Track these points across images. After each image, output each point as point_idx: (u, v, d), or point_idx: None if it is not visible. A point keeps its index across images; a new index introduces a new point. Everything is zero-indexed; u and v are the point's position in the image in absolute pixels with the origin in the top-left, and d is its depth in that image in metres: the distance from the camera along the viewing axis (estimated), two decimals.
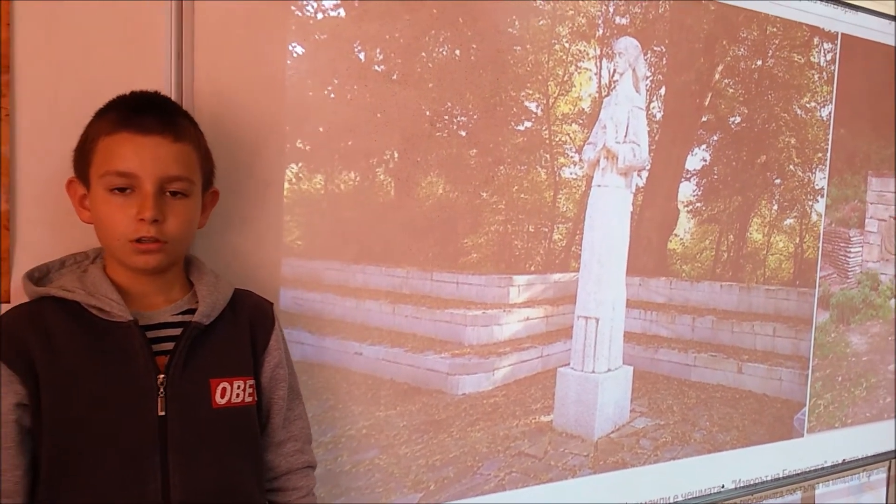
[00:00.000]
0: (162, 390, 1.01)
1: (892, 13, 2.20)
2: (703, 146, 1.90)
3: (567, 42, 1.64)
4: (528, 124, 1.61)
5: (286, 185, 1.35)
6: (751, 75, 1.95)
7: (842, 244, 2.20)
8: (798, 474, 2.17)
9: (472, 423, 1.58)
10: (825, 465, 2.24)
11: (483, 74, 1.53)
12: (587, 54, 1.67)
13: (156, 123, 1.01)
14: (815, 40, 2.06)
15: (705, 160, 1.90)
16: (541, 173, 1.64)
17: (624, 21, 1.71)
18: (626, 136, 1.74)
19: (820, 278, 2.15)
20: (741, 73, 1.93)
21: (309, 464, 1.23)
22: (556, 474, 1.70)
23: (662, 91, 1.80)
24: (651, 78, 1.77)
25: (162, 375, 1.02)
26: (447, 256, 1.53)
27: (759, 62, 1.96)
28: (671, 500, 1.92)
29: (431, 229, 1.51)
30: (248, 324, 1.14)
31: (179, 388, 1.03)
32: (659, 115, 1.80)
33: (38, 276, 1.07)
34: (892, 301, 2.34)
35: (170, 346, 1.04)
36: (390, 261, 1.47)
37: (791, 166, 2.05)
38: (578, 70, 1.67)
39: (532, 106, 1.61)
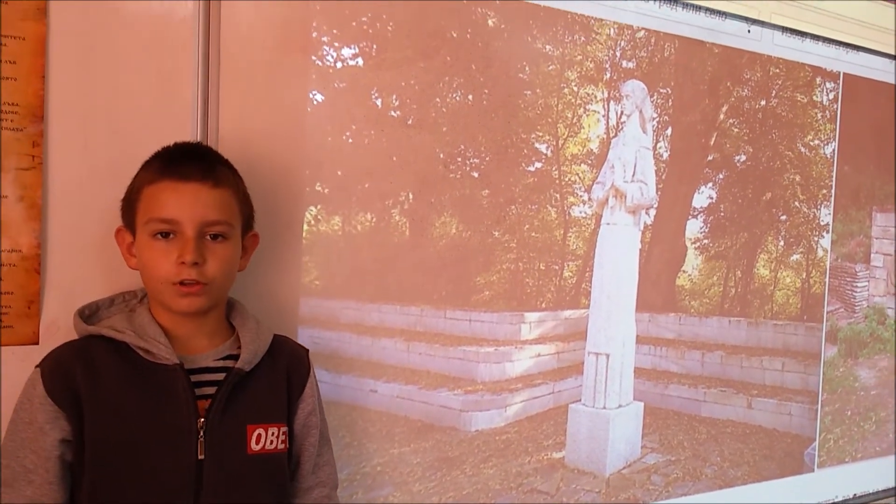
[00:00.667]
0: (202, 434, 1.04)
1: (893, 52, 2.25)
2: (710, 184, 1.93)
3: (576, 86, 1.69)
4: (538, 165, 1.65)
5: (305, 226, 1.39)
6: (755, 115, 1.99)
7: (848, 279, 2.22)
8: None
9: (485, 459, 1.60)
10: (836, 500, 2.23)
11: (495, 118, 1.58)
12: (595, 97, 1.72)
13: (196, 171, 1.06)
14: (818, 80, 2.10)
15: (712, 198, 1.94)
16: (551, 212, 1.68)
17: (631, 65, 1.76)
18: (633, 176, 1.78)
19: (827, 313, 2.16)
20: (745, 113, 1.97)
21: None
22: None
23: (669, 131, 1.84)
24: (657, 119, 1.82)
25: (202, 419, 1.04)
26: (460, 294, 1.57)
27: (763, 102, 2.00)
28: None
29: (445, 268, 1.55)
30: (286, 371, 1.17)
31: (218, 433, 1.05)
32: (666, 155, 1.84)
33: (88, 314, 1.10)
34: None
35: (211, 390, 1.07)
36: (405, 299, 1.50)
37: (796, 203, 2.08)
38: (587, 112, 1.71)
39: (542, 147, 1.65)
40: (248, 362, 1.10)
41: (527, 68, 1.61)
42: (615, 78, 1.75)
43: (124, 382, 1.03)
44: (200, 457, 1.03)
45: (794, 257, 2.10)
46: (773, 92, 2.02)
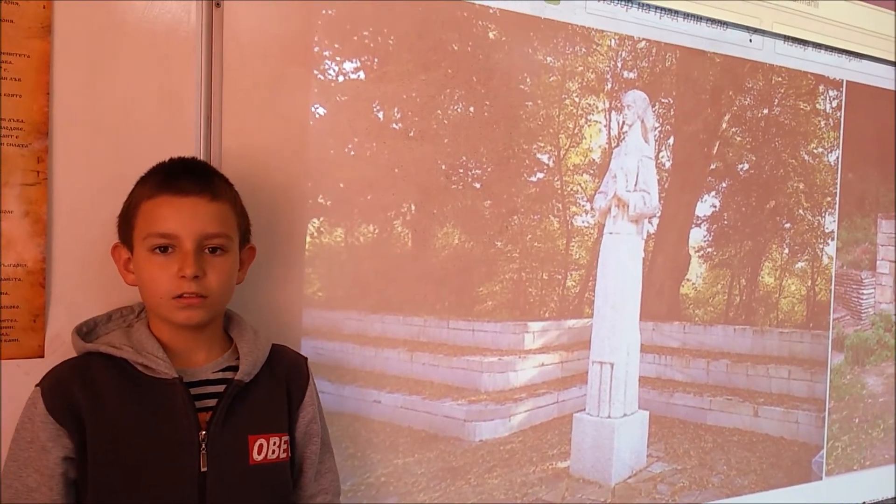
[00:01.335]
0: (203, 447, 1.05)
1: (895, 60, 2.25)
2: (713, 193, 1.93)
3: (577, 96, 1.70)
4: (540, 175, 1.66)
5: (308, 238, 1.40)
6: (757, 123, 1.99)
7: (854, 286, 2.21)
8: None
9: (489, 469, 1.60)
10: None
11: (496, 129, 1.59)
12: (597, 107, 1.73)
13: (193, 185, 1.06)
14: (821, 88, 2.10)
15: (715, 206, 1.94)
16: (553, 222, 1.68)
17: (632, 75, 1.77)
18: (636, 185, 1.78)
19: (833, 320, 2.16)
20: (748, 121, 1.97)
21: None
22: None
23: (671, 141, 1.85)
24: (659, 128, 1.82)
25: (203, 432, 1.05)
26: (463, 305, 1.57)
27: (766, 111, 2.00)
28: None
29: (448, 278, 1.55)
30: (285, 380, 1.17)
31: (220, 445, 1.06)
32: (668, 164, 1.84)
33: (86, 331, 1.11)
34: None
35: (211, 402, 1.08)
36: (408, 310, 1.51)
37: (800, 211, 2.08)
38: (588, 123, 1.72)
39: (544, 158, 1.66)
40: (248, 373, 1.11)
41: (528, 80, 1.62)
42: (616, 88, 1.75)
43: (124, 398, 1.03)
44: (203, 469, 1.04)
45: (799, 265, 2.09)
46: (776, 100, 2.02)
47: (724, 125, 1.94)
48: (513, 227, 1.62)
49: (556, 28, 1.65)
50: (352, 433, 1.45)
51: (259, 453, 1.09)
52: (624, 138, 1.77)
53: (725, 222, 1.96)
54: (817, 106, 2.10)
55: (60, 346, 1.18)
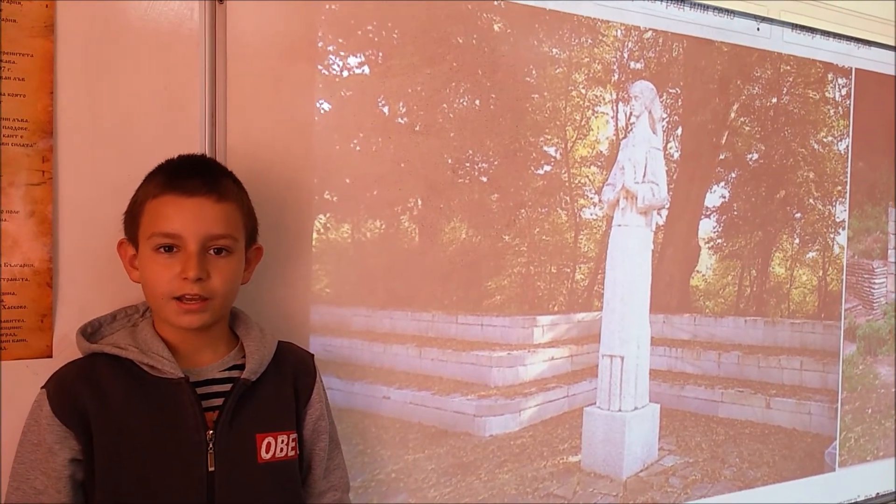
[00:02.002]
0: (211, 446, 1.04)
1: None
2: (722, 183, 1.91)
3: (584, 88, 1.68)
4: (547, 168, 1.64)
5: (314, 235, 1.39)
6: (766, 113, 1.97)
7: (865, 276, 2.19)
8: None
9: (500, 464, 1.59)
10: (859, 500, 2.20)
11: (502, 122, 1.57)
12: (604, 99, 1.71)
13: (199, 185, 1.05)
14: (830, 76, 2.08)
15: (724, 197, 1.92)
16: (561, 215, 1.67)
17: (639, 66, 1.75)
18: (644, 177, 1.77)
19: (845, 310, 2.14)
20: (756, 110, 1.95)
21: None
22: None
23: (679, 131, 1.83)
24: (667, 119, 1.81)
25: (211, 431, 1.04)
26: (471, 299, 1.56)
27: (774, 100, 1.98)
28: None
29: (455, 273, 1.54)
30: (292, 377, 1.17)
31: (227, 444, 1.05)
32: (677, 155, 1.83)
33: (90, 332, 1.10)
34: None
35: (218, 401, 1.07)
36: (416, 305, 1.50)
37: (811, 200, 2.06)
38: (595, 114, 1.71)
39: (551, 150, 1.65)
40: (254, 372, 1.10)
41: (534, 72, 1.61)
42: (623, 79, 1.74)
43: (130, 399, 1.03)
44: (211, 469, 1.03)
45: (810, 255, 2.07)
46: (785, 89, 2.00)
47: (733, 115, 1.92)
48: (520, 220, 1.61)
49: (562, 19, 1.63)
50: (361, 429, 1.45)
51: (267, 452, 1.08)
52: (631, 129, 1.75)
53: (735, 213, 1.94)
54: (826, 94, 2.08)
55: (68, 346, 1.18)
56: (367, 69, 1.42)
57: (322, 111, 1.39)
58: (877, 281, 2.22)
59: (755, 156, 1.96)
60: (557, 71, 1.64)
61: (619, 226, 1.75)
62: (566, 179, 1.67)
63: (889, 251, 2.24)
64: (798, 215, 2.04)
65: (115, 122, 1.24)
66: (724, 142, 1.91)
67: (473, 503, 1.56)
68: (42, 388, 1.05)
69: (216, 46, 1.30)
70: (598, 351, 1.74)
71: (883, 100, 2.19)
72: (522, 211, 1.62)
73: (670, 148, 1.82)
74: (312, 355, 1.23)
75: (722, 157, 1.91)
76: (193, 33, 1.29)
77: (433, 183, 1.50)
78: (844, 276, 2.14)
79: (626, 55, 1.73)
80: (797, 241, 2.05)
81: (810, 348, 2.07)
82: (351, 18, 1.40)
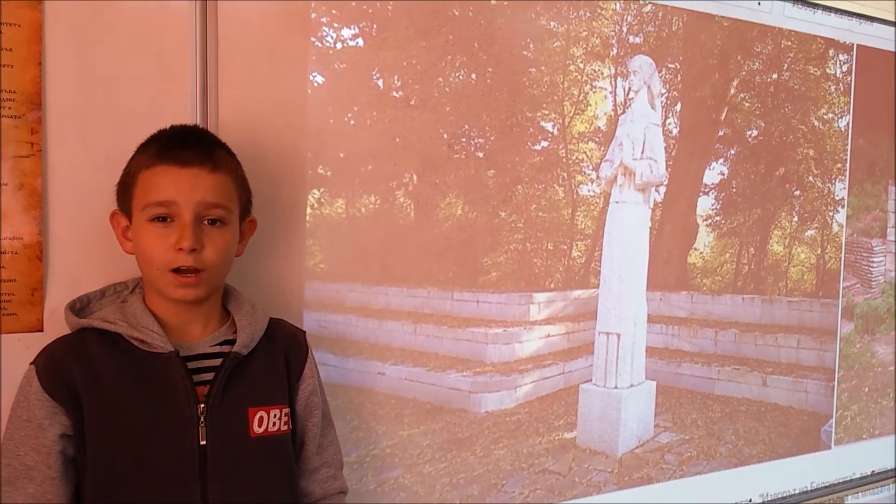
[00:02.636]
0: (202, 420, 1.03)
1: None
2: (721, 160, 1.90)
3: (581, 62, 1.66)
4: (544, 144, 1.63)
5: (308, 210, 1.38)
6: (766, 89, 1.95)
7: (864, 254, 2.18)
8: (826, 486, 2.15)
9: (496, 440, 1.59)
10: (854, 477, 2.21)
11: (499, 97, 1.55)
12: (602, 74, 1.69)
13: (194, 155, 1.04)
14: (831, 52, 2.05)
15: (723, 174, 1.91)
16: (558, 191, 1.66)
17: (638, 40, 1.73)
18: (642, 153, 1.75)
19: (843, 289, 2.14)
20: (757, 86, 1.93)
21: (342, 489, 1.25)
22: (580, 491, 1.70)
23: (678, 107, 1.81)
24: (666, 94, 1.79)
25: (202, 405, 1.04)
26: (467, 276, 1.55)
27: (775, 76, 1.96)
28: None
29: (451, 249, 1.53)
30: (284, 353, 1.16)
31: (219, 418, 1.05)
32: (675, 131, 1.81)
33: (79, 307, 1.10)
34: None
35: (209, 376, 1.06)
36: (411, 281, 1.49)
37: (810, 177, 2.05)
38: (593, 89, 1.69)
39: (548, 126, 1.63)
40: (245, 346, 1.09)
41: (531, 45, 1.59)
42: (622, 53, 1.72)
43: (120, 374, 1.02)
44: (203, 442, 1.03)
45: (809, 233, 2.06)
46: (785, 65, 1.98)
47: (733, 91, 1.90)
48: (517, 196, 1.60)
49: None
50: (356, 405, 1.45)
51: (260, 425, 1.08)
52: (630, 105, 1.73)
53: (734, 190, 1.93)
54: (827, 70, 2.06)
55: (59, 320, 1.16)
56: (361, 41, 1.40)
57: (315, 84, 1.37)
58: (875, 259, 2.21)
59: (755, 132, 1.95)
60: (555, 45, 1.62)
61: (617, 202, 1.73)
62: (563, 155, 1.66)
63: (888, 229, 2.23)
64: (797, 193, 2.03)
65: (105, 92, 1.22)
66: (723, 118, 1.90)
67: (469, 478, 1.56)
68: (31, 363, 1.04)
69: (208, 17, 1.28)
70: (595, 328, 1.73)
71: (884, 76, 2.17)
72: (519, 187, 1.60)
73: (669, 124, 1.80)
74: (304, 332, 1.23)
75: (721, 133, 1.90)
76: (184, 3, 1.26)
77: (428, 158, 1.49)
78: (843, 255, 2.13)
79: (624, 29, 1.71)
80: (796, 218, 2.04)
81: (808, 326, 2.07)
82: None
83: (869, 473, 2.24)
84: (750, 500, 2.00)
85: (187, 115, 1.27)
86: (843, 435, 2.17)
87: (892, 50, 2.18)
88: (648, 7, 1.74)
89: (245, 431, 1.07)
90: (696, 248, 1.89)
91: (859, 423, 2.21)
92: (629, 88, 1.73)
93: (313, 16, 1.36)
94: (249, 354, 1.10)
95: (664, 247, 1.82)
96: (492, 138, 1.56)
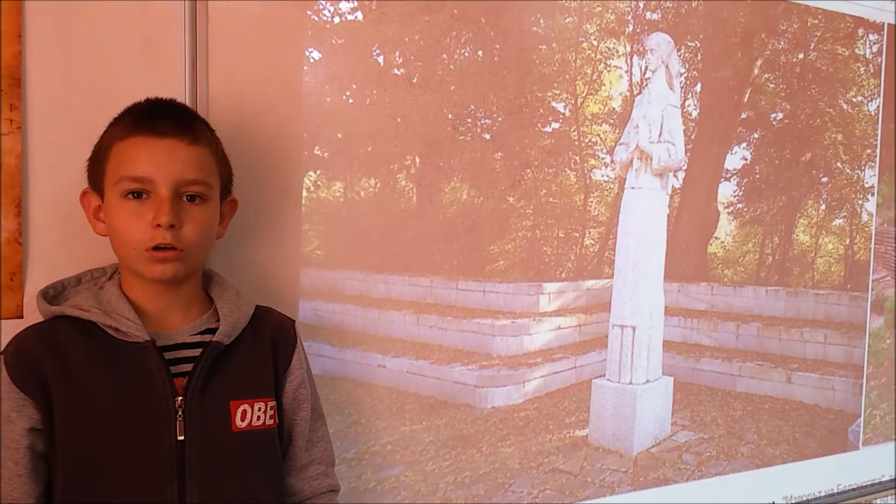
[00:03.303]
0: (180, 413, 0.98)
1: None
2: (744, 144, 1.83)
3: (595, 39, 1.59)
4: (555, 125, 1.55)
5: (304, 193, 1.32)
6: (792, 69, 1.88)
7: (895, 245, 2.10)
8: (854, 489, 2.08)
9: (503, 437, 1.52)
10: (882, 479, 2.14)
11: (507, 75, 1.48)
12: (617, 52, 1.61)
13: (171, 126, 0.99)
14: (860, 32, 1.98)
15: (746, 159, 1.84)
16: (570, 176, 1.58)
17: (655, 16, 1.65)
18: (660, 136, 1.67)
19: (873, 281, 2.07)
20: (782, 67, 1.86)
21: (332, 487, 1.19)
22: (593, 491, 1.63)
23: (698, 88, 1.74)
24: (686, 74, 1.72)
25: (180, 398, 0.98)
26: (473, 264, 1.48)
27: (801, 55, 1.89)
28: None
29: (456, 236, 1.46)
30: (270, 343, 1.10)
31: (198, 412, 0.99)
32: (695, 113, 1.74)
33: (52, 294, 1.04)
34: None
35: (188, 367, 1.01)
36: (414, 270, 1.43)
37: (838, 164, 1.98)
38: (608, 68, 1.61)
39: (559, 106, 1.56)
40: (228, 335, 1.03)
41: (541, 21, 1.52)
42: (638, 31, 1.64)
43: (93, 364, 0.97)
44: (181, 438, 0.97)
45: (837, 222, 2.00)
46: (812, 44, 1.91)
47: (756, 71, 1.83)
48: (526, 181, 1.53)
49: None
50: (355, 399, 1.38)
51: (242, 420, 1.01)
52: (647, 85, 1.66)
53: (757, 176, 1.86)
54: (856, 51, 1.99)
55: None
56: (359, 15, 1.33)
57: (312, 60, 1.31)
58: None
59: (780, 115, 1.88)
60: (567, 20, 1.55)
61: (633, 188, 1.66)
62: (575, 138, 1.58)
63: None
64: (824, 179, 1.97)
65: (88, 68, 1.17)
66: (746, 100, 1.82)
67: (474, 477, 1.49)
68: None
69: None
70: (609, 320, 1.67)
71: None
72: (528, 171, 1.53)
73: (688, 105, 1.73)
74: (293, 321, 1.16)
75: (744, 116, 1.83)
76: None
77: (432, 140, 1.42)
78: (873, 245, 2.07)
79: (641, 5, 1.64)
80: (823, 206, 1.97)
81: (835, 321, 2.00)
82: None
83: None
84: (773, 503, 1.93)
85: (175, 92, 1.21)
86: (872, 435, 2.11)
87: None
88: None
89: (227, 426, 1.00)
90: (716, 237, 1.82)
91: (889, 423, 2.14)
92: (646, 67, 1.66)
93: None
94: (233, 344, 1.04)
95: (682, 235, 1.75)
96: (499, 119, 1.48)
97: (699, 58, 1.74)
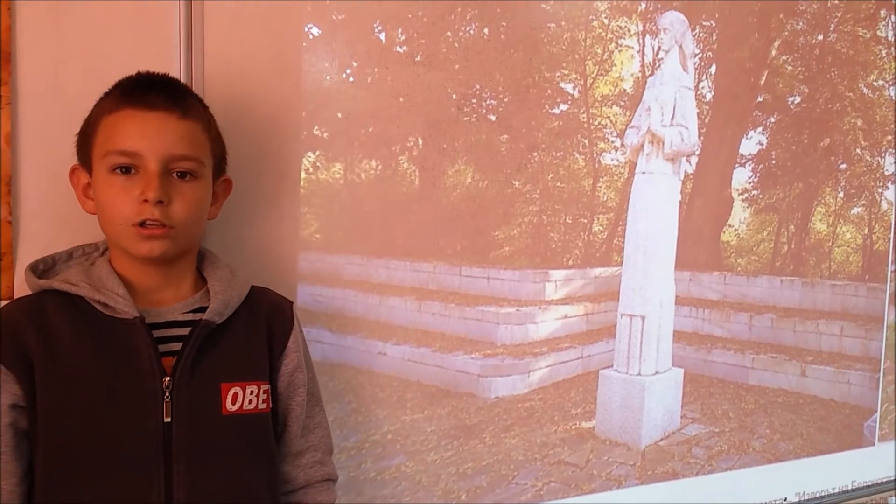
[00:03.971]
0: (168, 394, 0.95)
1: None
2: (759, 128, 1.79)
3: (606, 18, 1.54)
4: (563, 107, 1.51)
5: (303, 174, 1.28)
6: (811, 51, 1.83)
7: None
8: (869, 486, 2.06)
9: (507, 428, 1.48)
10: None
11: (514, 54, 1.44)
12: (629, 31, 1.57)
13: (161, 100, 0.96)
14: (882, 13, 1.94)
15: (762, 144, 1.80)
16: (578, 160, 1.54)
17: None
18: (672, 119, 1.63)
19: (892, 272, 2.04)
20: (800, 48, 1.82)
21: (329, 476, 1.15)
22: (599, 485, 1.59)
23: (713, 69, 1.70)
24: (700, 55, 1.67)
25: (168, 378, 0.95)
26: (477, 250, 1.45)
27: (820, 37, 1.84)
28: None
29: (460, 221, 1.42)
30: (265, 324, 1.07)
31: (187, 393, 0.96)
32: (709, 96, 1.70)
33: (43, 269, 1.02)
34: None
35: (178, 346, 0.98)
36: (416, 255, 1.39)
37: (858, 150, 1.94)
38: (619, 48, 1.57)
39: (568, 87, 1.51)
40: (219, 313, 1.00)
41: None
42: (651, 9, 1.60)
43: (80, 340, 0.94)
44: (167, 419, 0.94)
45: (855, 210, 1.96)
46: (832, 26, 1.87)
47: (774, 52, 1.78)
48: (532, 164, 1.48)
49: None
50: (355, 386, 1.35)
51: (233, 403, 0.98)
52: (659, 66, 1.62)
53: (773, 162, 1.82)
54: (878, 33, 1.95)
55: None
56: None
57: (311, 36, 1.27)
58: None
59: (797, 99, 1.84)
60: None
61: (644, 173, 1.62)
62: (585, 120, 1.54)
63: None
64: (843, 166, 1.93)
65: (80, 44, 1.13)
66: (763, 82, 1.78)
67: (477, 468, 1.46)
68: None
69: None
70: (617, 310, 1.63)
71: None
72: (535, 154, 1.49)
73: (702, 88, 1.68)
74: (291, 302, 1.12)
75: (760, 99, 1.79)
76: None
77: (435, 120, 1.38)
78: (892, 235, 2.04)
79: None
80: (841, 194, 1.94)
81: (852, 312, 1.97)
82: None
83: None
84: (785, 499, 1.90)
85: (170, 67, 1.17)
86: (888, 431, 2.08)
87: None
88: None
89: (216, 409, 0.97)
90: (730, 225, 1.78)
91: None
92: (658, 48, 1.61)
93: None
94: (225, 324, 1.01)
95: (695, 223, 1.71)
96: (505, 100, 1.44)
97: (714, 38, 1.69)
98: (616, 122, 1.58)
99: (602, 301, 1.60)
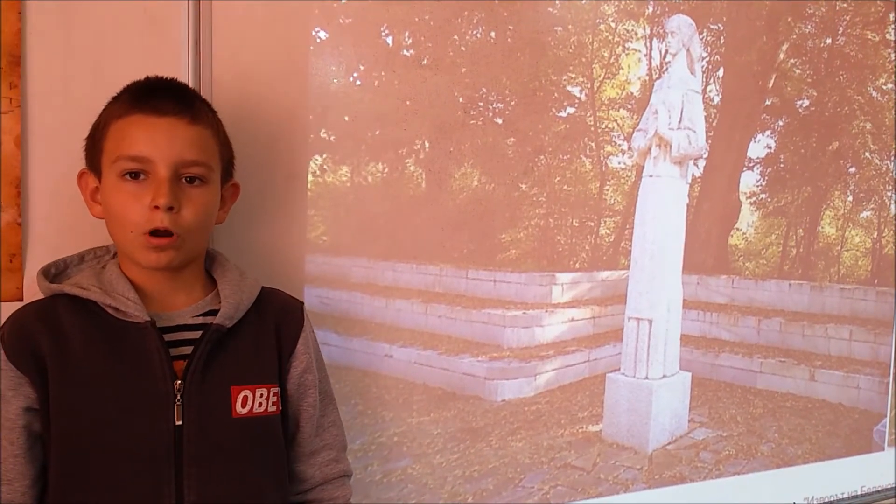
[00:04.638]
0: (179, 397, 0.95)
1: None
2: (768, 132, 1.79)
3: (613, 21, 1.54)
4: (570, 110, 1.51)
5: (310, 177, 1.29)
6: (819, 55, 1.83)
7: None
8: (878, 491, 2.04)
9: (513, 431, 1.48)
10: None
11: (521, 58, 1.44)
12: (636, 34, 1.57)
13: (171, 105, 0.96)
14: (891, 16, 1.93)
15: (770, 147, 1.79)
16: (585, 163, 1.54)
17: None
18: (680, 122, 1.63)
19: None
20: (809, 52, 1.81)
21: (345, 473, 1.16)
22: (606, 489, 1.59)
23: (720, 73, 1.69)
24: (707, 58, 1.67)
25: (179, 381, 0.96)
26: (483, 253, 1.45)
27: (829, 40, 1.84)
28: None
29: (466, 224, 1.43)
30: (274, 326, 1.07)
31: (197, 396, 0.96)
32: (717, 99, 1.69)
33: (55, 272, 1.02)
34: None
35: (189, 349, 0.98)
36: (422, 258, 1.39)
37: (867, 153, 1.93)
38: (626, 51, 1.57)
39: (575, 90, 1.51)
40: (229, 317, 1.00)
41: (557, 1, 1.48)
42: (659, 12, 1.60)
43: (92, 344, 0.94)
44: (179, 422, 0.94)
45: (864, 214, 1.95)
46: (841, 29, 1.86)
47: (782, 56, 1.78)
48: (539, 167, 1.49)
49: None
50: (361, 389, 1.35)
51: (243, 406, 0.98)
52: (667, 69, 1.62)
53: (782, 165, 1.82)
54: (887, 36, 1.94)
55: None
56: None
57: (318, 40, 1.27)
58: None
59: (806, 102, 1.83)
60: (584, 1, 1.50)
61: (651, 176, 1.62)
62: (591, 123, 1.54)
63: None
64: (852, 170, 1.92)
65: (89, 48, 1.14)
66: (771, 86, 1.78)
67: (483, 471, 1.45)
68: None
69: None
70: (624, 313, 1.63)
71: None
72: (542, 157, 1.49)
73: (710, 91, 1.68)
74: (302, 303, 1.13)
75: (768, 102, 1.78)
76: None
77: (442, 123, 1.38)
78: None
79: None
80: (850, 198, 1.93)
81: (861, 316, 1.96)
82: None
83: None
84: None
85: (178, 71, 1.18)
86: None
87: None
88: None
89: (227, 412, 0.98)
90: (738, 229, 1.77)
91: None
92: (666, 51, 1.61)
93: None
94: (236, 326, 1.01)
95: (703, 226, 1.71)
96: (512, 103, 1.44)
97: (722, 41, 1.69)
98: (623, 125, 1.58)
99: (609, 304, 1.60)
